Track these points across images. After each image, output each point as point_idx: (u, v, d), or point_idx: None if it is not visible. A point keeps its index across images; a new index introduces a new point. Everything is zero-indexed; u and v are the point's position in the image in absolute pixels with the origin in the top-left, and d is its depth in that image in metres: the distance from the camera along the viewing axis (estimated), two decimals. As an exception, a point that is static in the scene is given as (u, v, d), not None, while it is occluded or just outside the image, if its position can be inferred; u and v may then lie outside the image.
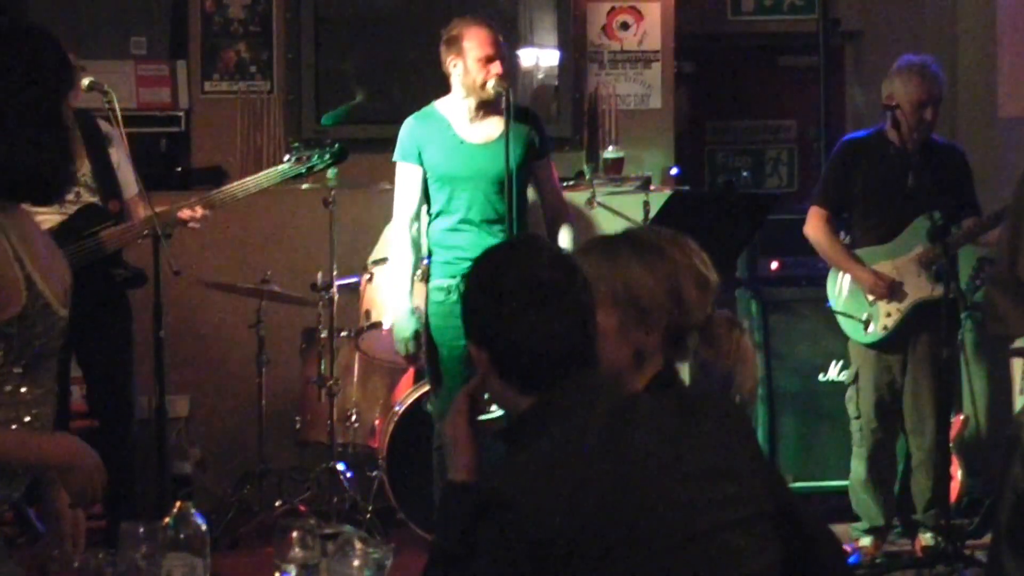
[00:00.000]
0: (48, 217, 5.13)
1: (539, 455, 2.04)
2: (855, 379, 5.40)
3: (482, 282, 2.20)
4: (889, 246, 5.31)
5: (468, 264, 2.34)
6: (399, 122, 5.07)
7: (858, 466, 5.40)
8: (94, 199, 5.16)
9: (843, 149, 5.43)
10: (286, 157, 5.36)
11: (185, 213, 5.10)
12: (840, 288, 5.42)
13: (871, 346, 5.34)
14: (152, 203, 5.09)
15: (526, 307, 2.14)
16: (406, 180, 4.98)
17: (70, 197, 5.14)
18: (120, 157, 5.26)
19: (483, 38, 4.86)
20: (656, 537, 2.01)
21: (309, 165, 5.35)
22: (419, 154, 4.93)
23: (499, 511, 1.98)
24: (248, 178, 5.33)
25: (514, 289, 2.15)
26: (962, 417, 5.84)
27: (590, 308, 2.18)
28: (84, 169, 5.17)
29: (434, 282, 4.94)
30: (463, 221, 4.90)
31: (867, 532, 5.40)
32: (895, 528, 5.50)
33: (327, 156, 5.34)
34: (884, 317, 5.28)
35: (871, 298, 5.30)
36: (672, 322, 2.34)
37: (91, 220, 5.14)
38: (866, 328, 5.32)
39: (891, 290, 5.26)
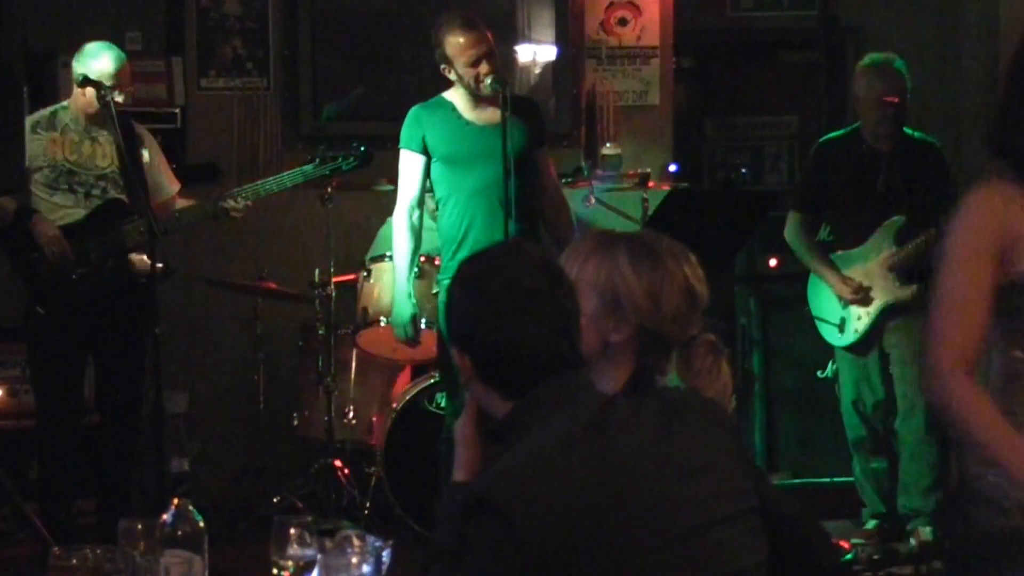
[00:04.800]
0: (73, 211, 5.16)
1: (523, 457, 2.03)
2: (835, 377, 5.47)
3: (465, 287, 2.19)
4: (859, 250, 5.35)
5: None
6: (397, 118, 5.04)
7: (854, 458, 5.47)
8: (120, 195, 5.19)
9: (817, 150, 5.49)
10: (311, 159, 5.42)
11: (230, 203, 5.21)
12: (816, 292, 5.47)
13: (846, 348, 5.37)
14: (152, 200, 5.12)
15: (508, 313, 2.13)
16: (408, 167, 4.94)
17: (96, 192, 5.17)
18: (153, 157, 5.33)
19: (465, 42, 4.77)
20: (644, 535, 2.00)
21: (334, 167, 5.38)
22: (422, 140, 4.90)
23: (484, 513, 1.98)
24: (271, 177, 5.40)
25: (496, 295, 2.14)
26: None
27: (574, 314, 2.17)
28: (112, 166, 5.20)
29: (445, 279, 4.89)
30: (468, 207, 4.85)
31: (873, 516, 5.46)
32: (898, 517, 5.50)
33: (351, 159, 5.39)
34: (855, 320, 5.35)
35: (843, 302, 5.34)
36: (646, 324, 2.33)
37: (114, 215, 5.17)
38: (840, 331, 5.37)
39: (857, 294, 5.29)
